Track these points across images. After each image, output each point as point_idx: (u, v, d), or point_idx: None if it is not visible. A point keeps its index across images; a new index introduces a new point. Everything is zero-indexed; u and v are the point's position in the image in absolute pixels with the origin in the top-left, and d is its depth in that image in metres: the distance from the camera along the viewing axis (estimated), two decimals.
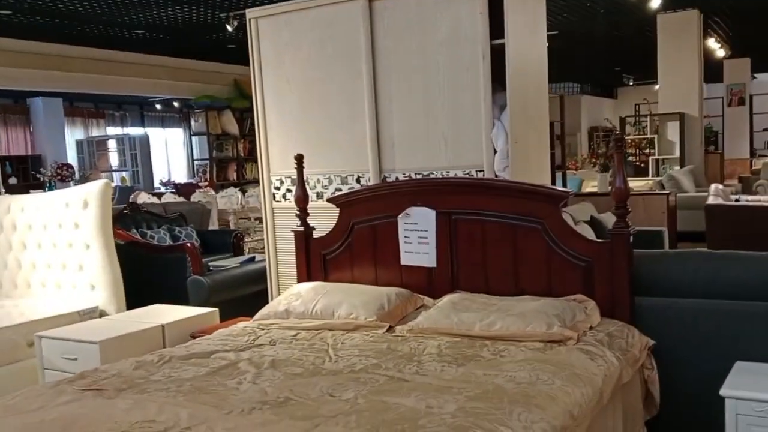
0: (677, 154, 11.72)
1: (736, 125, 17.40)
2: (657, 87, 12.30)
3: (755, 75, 18.34)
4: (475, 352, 2.83)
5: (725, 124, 17.65)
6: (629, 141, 13.37)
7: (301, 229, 4.16)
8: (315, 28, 4.59)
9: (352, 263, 3.98)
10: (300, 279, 4.13)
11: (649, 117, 12.69)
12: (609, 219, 4.31)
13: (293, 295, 3.68)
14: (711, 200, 7.57)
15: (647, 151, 12.99)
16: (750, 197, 8.14)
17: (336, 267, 4.04)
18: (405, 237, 3.75)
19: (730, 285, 3.13)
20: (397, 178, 4.48)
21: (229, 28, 10.38)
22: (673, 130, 11.89)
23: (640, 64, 14.93)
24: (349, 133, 4.60)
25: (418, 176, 4.41)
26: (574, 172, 14.00)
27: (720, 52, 14.50)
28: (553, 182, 6.24)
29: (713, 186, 7.95)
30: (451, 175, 4.28)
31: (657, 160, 12.32)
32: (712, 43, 13.64)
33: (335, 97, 4.60)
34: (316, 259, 4.09)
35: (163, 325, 3.93)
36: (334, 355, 2.90)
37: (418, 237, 3.71)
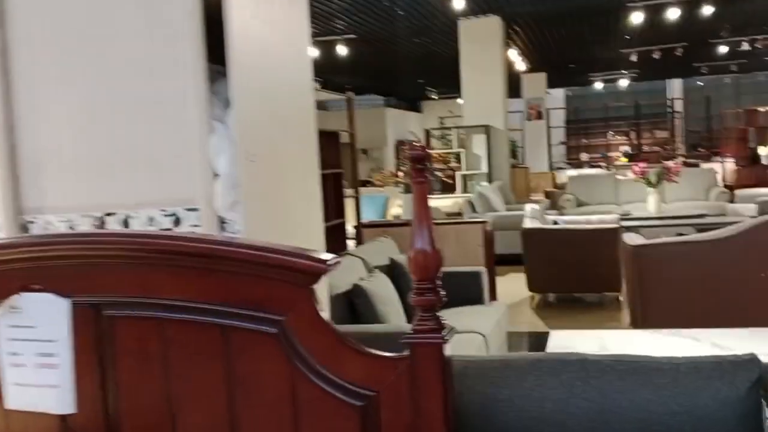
0: (485, 168, 10.68)
1: (535, 139, 17.09)
2: (461, 101, 11.31)
3: (548, 90, 18.26)
4: None
5: (526, 138, 17.28)
6: (435, 155, 12.25)
7: None
8: None
9: None
10: None
11: (454, 130, 11.60)
12: None
13: None
14: (528, 223, 6.34)
15: (453, 165, 11.92)
16: (567, 218, 7.08)
17: None
18: (10, 354, 1.83)
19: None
20: (48, 223, 2.55)
21: None
22: (479, 144, 10.86)
23: (444, 76, 13.96)
24: None
25: (87, 219, 2.51)
26: (381, 189, 12.64)
27: (521, 65, 13.89)
28: (336, 214, 4.57)
29: (528, 207, 6.77)
30: (141, 216, 2.43)
31: (464, 176, 11.22)
32: (514, 55, 12.92)
33: None
34: None
35: None
36: None
37: (37, 353, 1.81)
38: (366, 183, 16.60)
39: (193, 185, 2.37)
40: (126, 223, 2.49)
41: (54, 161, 2.53)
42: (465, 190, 10.94)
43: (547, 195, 11.61)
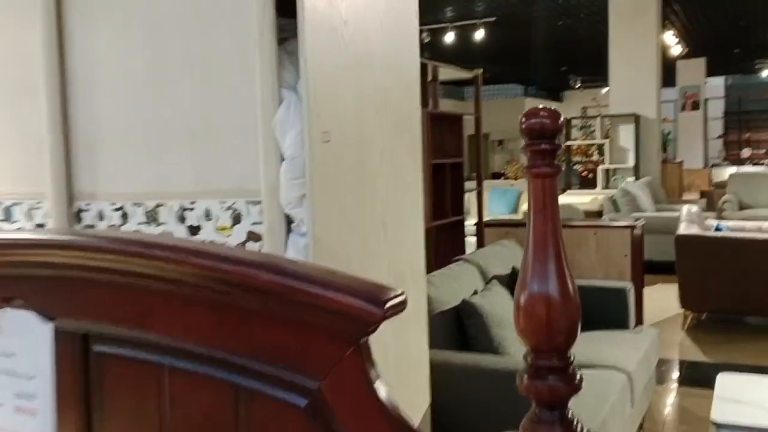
0: (631, 162, 9.61)
1: (689, 132, 15.49)
2: (606, 90, 10.28)
3: (707, 78, 16.51)
4: None
5: (678, 131, 15.72)
6: (575, 147, 11.27)
7: None
8: None
9: None
10: None
11: (599, 119, 10.57)
12: None
13: None
14: (684, 228, 5.40)
15: (595, 158, 10.90)
16: (731, 223, 6.04)
17: None
18: None
19: None
20: (101, 213, 2.15)
21: None
22: (626, 135, 9.79)
23: (589, 62, 12.85)
24: (10, 121, 2.25)
25: (138, 208, 2.08)
26: (513, 182, 11.85)
27: (676, 49, 12.51)
28: (454, 210, 3.96)
29: (685, 208, 5.80)
30: (198, 208, 1.97)
31: (607, 170, 10.20)
32: (669, 38, 11.62)
33: None
34: None
35: None
36: None
37: (15, 392, 1.36)
38: (501, 175, 15.80)
39: (257, 172, 1.86)
40: (182, 218, 2.04)
41: (107, 141, 2.12)
42: (607, 185, 9.93)
43: (703, 195, 10.32)
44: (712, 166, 15.65)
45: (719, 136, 18.35)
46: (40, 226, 2.27)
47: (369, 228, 2.04)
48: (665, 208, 8.12)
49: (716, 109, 18.24)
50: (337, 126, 1.90)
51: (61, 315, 1.26)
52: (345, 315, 0.99)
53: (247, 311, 1.07)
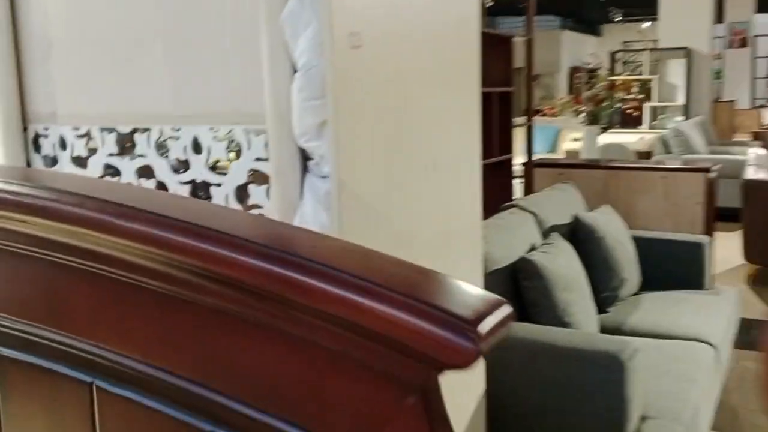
0: (680, 100, 8.85)
1: (736, 70, 14.51)
2: (648, 24, 9.41)
3: (756, 15, 15.36)
4: None
5: (726, 69, 14.73)
6: (619, 83, 10.49)
7: None
8: None
9: None
10: None
11: (645, 54, 9.75)
12: (608, 222, 2.67)
13: None
14: (752, 173, 4.78)
15: (640, 96, 10.13)
16: None
17: None
18: None
19: None
20: (63, 140, 1.65)
21: None
22: (675, 71, 9.00)
23: None
24: None
25: (108, 135, 1.58)
26: (551, 119, 11.14)
27: None
28: (501, 148, 3.41)
29: (752, 151, 5.16)
30: (184, 136, 1.45)
31: (654, 108, 9.46)
32: None
33: None
34: None
35: None
36: None
37: None
38: (536, 112, 14.94)
39: (259, 89, 1.32)
40: (163, 146, 1.52)
41: (66, 48, 1.59)
42: (653, 124, 9.21)
43: (756, 136, 9.55)
44: (759, 107, 14.70)
45: (766, 76, 17.26)
46: None
47: (412, 169, 1.50)
48: (718, 150, 7.43)
49: (764, 47, 17.10)
50: (370, 26, 1.34)
51: None
52: (404, 348, 0.47)
53: (236, 324, 0.56)
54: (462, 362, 0.43)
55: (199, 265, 0.52)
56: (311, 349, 0.51)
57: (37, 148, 1.70)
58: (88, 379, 0.64)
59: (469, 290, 0.49)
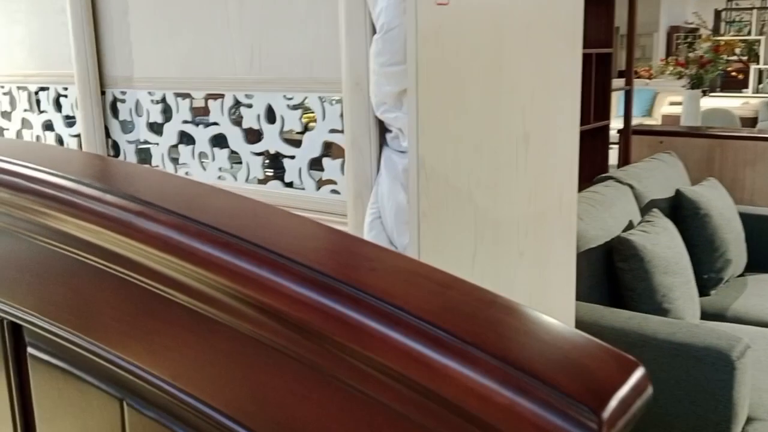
0: None
1: None
2: None
3: None
4: None
5: None
6: (723, 43, 9.74)
7: None
8: None
9: None
10: None
11: (754, 11, 8.99)
12: (714, 197, 2.42)
13: None
14: None
15: (745, 58, 9.41)
16: None
17: None
18: None
19: None
20: (139, 105, 1.58)
21: None
22: None
23: None
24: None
25: (183, 101, 1.50)
26: (647, 81, 10.52)
27: None
28: (597, 113, 3.16)
29: None
30: (257, 103, 1.34)
31: (760, 71, 8.75)
32: None
33: None
34: None
35: None
36: None
37: None
38: (621, 74, 14.12)
39: (336, 54, 1.20)
40: (237, 112, 1.43)
41: (143, 11, 1.51)
42: (759, 88, 8.52)
43: None
44: None
45: None
46: (69, 119, 1.74)
47: (501, 142, 1.34)
48: None
49: None
50: None
51: None
52: (490, 429, 0.34)
53: (279, 358, 0.44)
54: None
55: (228, 284, 0.41)
56: (367, 402, 0.39)
57: (115, 113, 1.64)
58: (118, 395, 0.55)
59: (587, 346, 0.35)
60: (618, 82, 3.76)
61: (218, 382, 0.46)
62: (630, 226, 2.16)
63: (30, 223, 0.55)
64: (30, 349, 0.63)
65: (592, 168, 2.98)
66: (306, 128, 1.30)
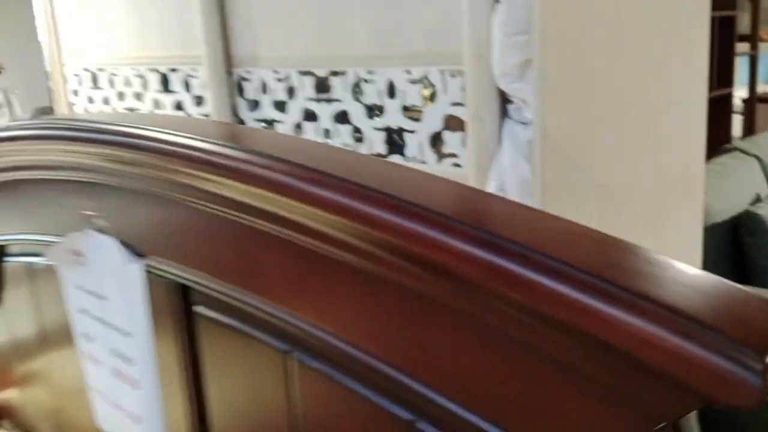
0: None
1: None
2: None
3: None
4: None
5: None
6: None
7: None
8: None
9: None
10: None
11: None
12: None
13: None
14: None
15: None
16: None
17: None
18: (84, 336, 0.98)
19: None
20: (264, 84, 1.67)
21: None
22: None
23: None
24: None
25: (306, 78, 1.56)
26: None
27: None
28: (720, 80, 3.00)
29: None
30: (378, 80, 1.39)
31: None
32: None
33: None
34: None
35: None
36: None
37: (110, 347, 0.94)
38: (744, 38, 13.18)
39: (457, 25, 1.22)
40: (357, 90, 1.47)
41: None
42: None
43: None
44: None
45: None
46: (199, 98, 1.85)
47: (625, 111, 1.32)
48: None
49: None
50: None
51: (153, 253, 0.77)
52: (661, 375, 0.36)
53: (446, 314, 0.48)
54: (744, 401, 0.32)
55: (392, 241, 0.45)
56: (532, 355, 0.42)
57: (241, 91, 1.73)
58: (286, 348, 0.60)
59: (744, 297, 0.36)
60: (742, 47, 3.54)
61: (385, 335, 0.51)
62: (757, 199, 2.06)
63: (201, 192, 0.61)
64: (197, 307, 0.70)
65: (716, 138, 2.85)
66: (428, 101, 1.33)
